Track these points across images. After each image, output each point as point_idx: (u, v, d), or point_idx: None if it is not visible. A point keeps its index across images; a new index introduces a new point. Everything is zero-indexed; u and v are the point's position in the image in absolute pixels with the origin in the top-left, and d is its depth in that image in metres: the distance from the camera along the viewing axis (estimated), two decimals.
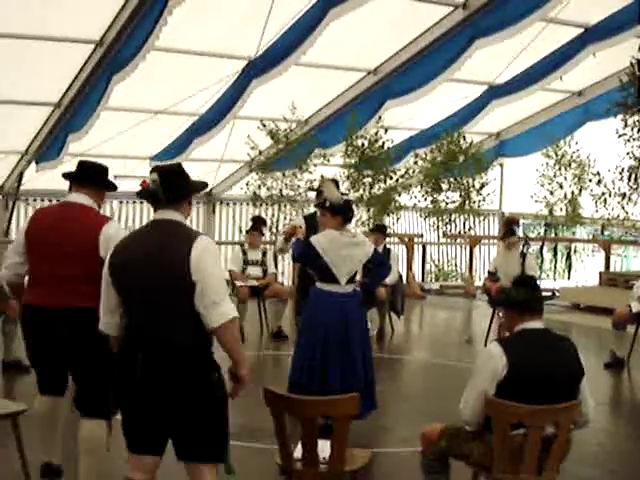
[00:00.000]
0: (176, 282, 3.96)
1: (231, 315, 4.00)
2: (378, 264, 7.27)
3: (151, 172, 4.22)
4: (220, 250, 19.64)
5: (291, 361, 7.23)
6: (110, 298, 4.18)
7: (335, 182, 8.30)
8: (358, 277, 7.34)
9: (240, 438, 6.78)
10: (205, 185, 4.55)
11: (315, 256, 6.82)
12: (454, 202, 19.07)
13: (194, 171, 18.57)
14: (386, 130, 17.30)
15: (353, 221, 17.76)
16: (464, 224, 19.44)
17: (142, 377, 4.01)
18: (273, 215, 17.23)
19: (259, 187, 17.21)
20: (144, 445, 4.20)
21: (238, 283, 11.93)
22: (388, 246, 12.69)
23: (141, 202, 19.01)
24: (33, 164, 15.83)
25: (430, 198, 19.16)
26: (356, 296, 7.02)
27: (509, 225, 11.86)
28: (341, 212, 6.95)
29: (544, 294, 12.19)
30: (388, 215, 18.42)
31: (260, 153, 16.84)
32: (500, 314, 7.52)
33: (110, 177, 5.43)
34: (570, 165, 19.56)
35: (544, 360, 4.34)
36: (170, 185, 4.14)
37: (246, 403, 8.13)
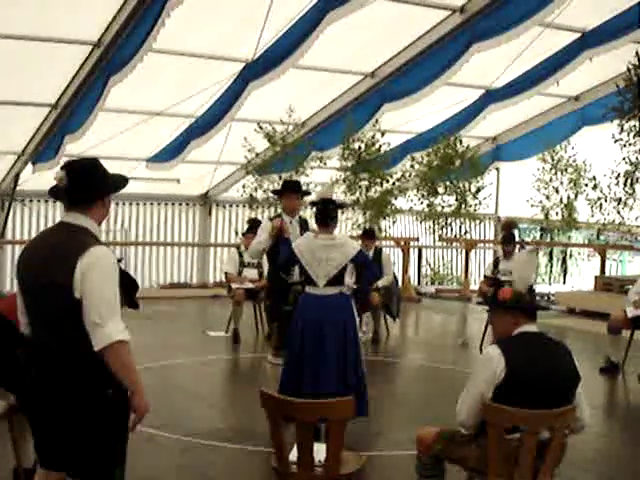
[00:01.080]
0: (60, 296, 3.61)
1: (114, 339, 3.58)
2: (363, 265, 7.26)
3: (61, 168, 3.78)
4: (216, 252, 19.69)
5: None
6: (19, 297, 3.87)
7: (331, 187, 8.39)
8: (349, 280, 7.35)
9: (234, 440, 6.80)
10: (123, 181, 4.02)
11: (295, 259, 6.92)
12: (450, 206, 19.09)
13: (191, 173, 18.65)
14: (383, 133, 17.31)
15: (349, 224, 17.93)
16: (460, 228, 19.46)
17: (33, 386, 3.74)
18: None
19: (255, 189, 17.21)
20: (43, 459, 3.89)
21: (234, 285, 11.94)
22: (380, 247, 12.65)
23: (137, 203, 19.03)
24: (30, 165, 15.82)
25: (426, 202, 19.18)
26: (342, 299, 6.98)
27: (508, 229, 11.88)
28: (317, 211, 7.02)
29: (544, 304, 12.33)
30: (384, 218, 18.43)
31: (257, 155, 16.85)
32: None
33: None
34: (566, 170, 19.60)
35: (542, 364, 4.34)
36: (78, 184, 3.72)
37: (240, 405, 8.18)
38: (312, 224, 7.78)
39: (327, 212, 6.97)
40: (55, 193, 3.81)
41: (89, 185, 3.76)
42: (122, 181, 4.01)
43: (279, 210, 8.36)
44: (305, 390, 6.45)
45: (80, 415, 3.65)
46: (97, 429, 3.68)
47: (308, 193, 8.51)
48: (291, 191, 8.11)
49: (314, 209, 7.27)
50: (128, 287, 5.24)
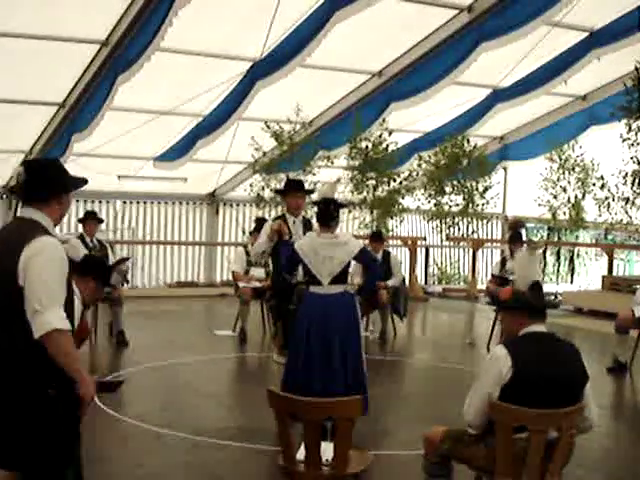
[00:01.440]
0: (6, 283, 3.61)
1: (53, 326, 3.53)
2: (367, 263, 7.27)
3: (21, 164, 3.93)
4: (223, 251, 19.69)
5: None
6: None
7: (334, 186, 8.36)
8: (357, 280, 7.35)
9: (241, 439, 6.80)
10: (81, 182, 4.05)
11: (298, 259, 6.89)
12: (457, 205, 19.08)
13: (198, 172, 18.61)
14: (390, 132, 17.31)
15: (356, 223, 17.93)
16: (467, 227, 19.44)
17: None
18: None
19: (263, 188, 17.23)
20: None
21: (241, 284, 11.94)
22: (388, 249, 12.67)
23: (144, 202, 19.04)
24: None
25: (433, 201, 19.18)
26: (346, 298, 6.97)
27: (515, 228, 11.86)
28: (319, 210, 7.01)
29: (554, 301, 12.32)
30: (391, 218, 18.43)
31: (264, 154, 16.86)
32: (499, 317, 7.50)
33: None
34: (574, 169, 19.57)
35: (549, 364, 4.33)
36: (34, 182, 3.82)
37: (247, 404, 8.18)
38: (315, 224, 7.80)
39: (328, 212, 6.94)
40: (14, 190, 3.98)
41: (44, 183, 3.84)
42: (80, 182, 4.05)
43: (285, 209, 8.31)
44: (314, 389, 6.43)
45: (22, 413, 3.61)
46: (41, 427, 3.63)
47: (312, 192, 8.50)
48: (295, 190, 8.08)
49: (315, 209, 7.25)
50: (98, 268, 5.35)
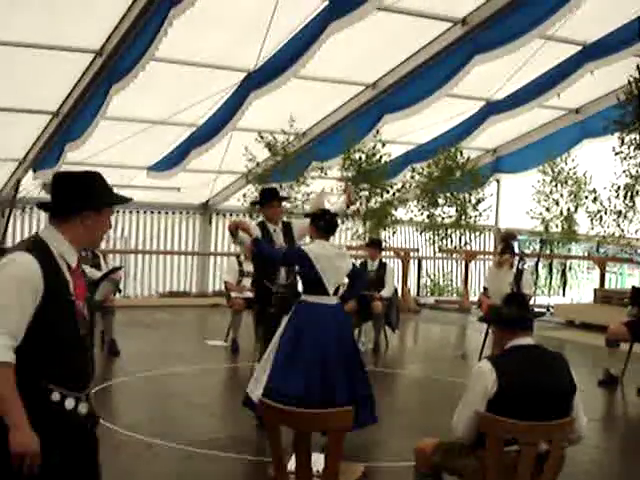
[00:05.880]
0: None
1: None
2: (358, 275, 7.35)
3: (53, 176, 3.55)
4: (216, 261, 19.69)
5: (267, 369, 6.98)
6: None
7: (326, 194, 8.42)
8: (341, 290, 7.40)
9: (233, 449, 6.79)
10: (120, 200, 3.57)
11: (308, 264, 6.83)
12: (450, 217, 19.11)
13: (192, 182, 18.64)
14: (384, 144, 17.33)
15: (349, 234, 17.94)
16: (460, 239, 19.47)
17: None
18: None
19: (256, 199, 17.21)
20: None
21: (233, 294, 11.96)
22: (384, 260, 12.68)
23: (137, 212, 19.05)
24: (30, 172, 15.83)
25: (426, 213, 19.20)
26: (341, 308, 7.10)
27: (506, 240, 11.86)
28: (314, 221, 7.05)
29: (538, 310, 12.34)
30: (384, 229, 18.45)
31: (258, 165, 16.86)
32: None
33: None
34: (566, 182, 19.60)
35: (534, 376, 4.35)
36: (56, 195, 3.42)
37: (238, 414, 8.16)
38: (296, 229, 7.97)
39: (335, 223, 7.09)
40: (40, 205, 3.53)
41: (64, 197, 3.39)
42: (119, 200, 3.58)
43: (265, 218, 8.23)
44: (325, 398, 6.47)
45: None
46: None
47: (287, 198, 8.52)
48: (273, 199, 8.08)
49: (318, 220, 7.18)
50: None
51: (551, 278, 20.04)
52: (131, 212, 19.02)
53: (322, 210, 7.22)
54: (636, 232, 16.71)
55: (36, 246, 3.32)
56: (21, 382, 3.14)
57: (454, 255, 20.28)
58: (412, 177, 19.05)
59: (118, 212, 18.60)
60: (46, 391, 3.24)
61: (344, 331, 6.98)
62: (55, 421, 3.26)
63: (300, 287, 7.31)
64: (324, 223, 7.03)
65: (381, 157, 17.49)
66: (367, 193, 17.58)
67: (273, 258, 7.32)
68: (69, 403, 3.30)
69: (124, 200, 3.58)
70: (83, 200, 3.39)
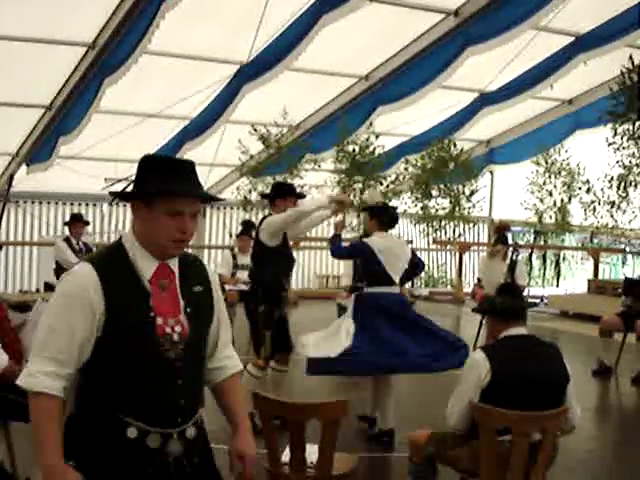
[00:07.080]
0: None
1: (23, 385, 2.70)
2: (416, 264, 7.47)
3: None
4: (210, 254, 19.68)
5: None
6: None
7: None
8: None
9: (225, 441, 6.77)
10: (166, 190, 2.96)
11: (371, 255, 6.96)
12: (444, 209, 19.12)
13: None
14: (377, 136, 17.33)
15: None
16: (454, 231, 19.48)
17: None
18: None
19: (250, 191, 17.22)
20: None
21: (227, 287, 11.92)
22: None
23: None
24: (24, 166, 15.80)
25: (420, 204, 19.21)
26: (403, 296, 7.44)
27: (500, 231, 11.86)
28: (375, 214, 7.19)
29: (531, 301, 12.36)
30: None
31: (251, 157, 16.85)
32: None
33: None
34: (560, 173, 19.63)
35: (527, 366, 4.36)
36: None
37: None
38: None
39: (396, 216, 7.31)
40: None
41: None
42: (164, 190, 2.96)
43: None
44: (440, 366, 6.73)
45: None
46: None
47: (304, 196, 8.44)
48: (291, 195, 7.81)
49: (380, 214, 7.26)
50: None
51: (545, 269, 20.08)
52: (125, 205, 18.75)
53: (383, 203, 7.52)
54: (629, 222, 16.74)
55: (109, 251, 2.89)
56: (95, 414, 2.74)
57: (448, 246, 20.30)
58: (406, 169, 19.06)
59: (112, 205, 18.52)
60: (122, 425, 2.75)
61: (409, 310, 7.23)
62: (135, 460, 2.77)
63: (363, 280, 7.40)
64: (386, 217, 7.18)
65: (374, 149, 17.49)
66: (361, 185, 17.58)
67: (341, 252, 7.53)
68: (152, 440, 2.79)
69: (183, 193, 3.04)
70: (136, 187, 2.89)
